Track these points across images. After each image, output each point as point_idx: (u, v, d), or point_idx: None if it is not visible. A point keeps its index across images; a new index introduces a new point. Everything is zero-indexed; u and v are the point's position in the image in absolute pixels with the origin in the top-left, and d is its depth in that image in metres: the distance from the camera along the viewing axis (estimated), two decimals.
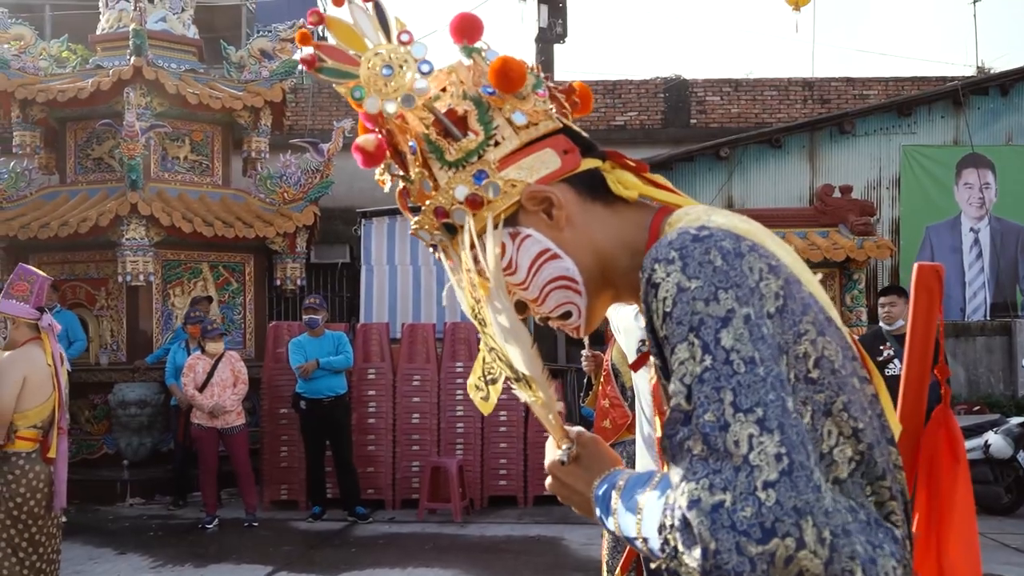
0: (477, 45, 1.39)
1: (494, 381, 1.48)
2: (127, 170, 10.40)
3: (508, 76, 1.35)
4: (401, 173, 1.43)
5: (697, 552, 1.02)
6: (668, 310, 1.13)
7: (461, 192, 1.36)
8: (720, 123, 15.36)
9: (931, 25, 56.14)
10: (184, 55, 12.11)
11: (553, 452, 1.42)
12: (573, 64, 54.18)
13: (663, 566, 1.11)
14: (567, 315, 1.40)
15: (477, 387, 1.50)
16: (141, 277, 10.56)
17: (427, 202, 1.40)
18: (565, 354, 11.74)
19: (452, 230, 1.39)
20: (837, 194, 11.43)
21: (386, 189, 1.45)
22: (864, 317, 10.47)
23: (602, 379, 5.35)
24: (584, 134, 1.43)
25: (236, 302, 11.81)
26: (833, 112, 14.05)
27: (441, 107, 1.37)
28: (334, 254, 14.31)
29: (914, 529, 1.70)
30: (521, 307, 1.41)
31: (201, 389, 9.13)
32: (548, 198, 1.34)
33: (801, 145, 12.91)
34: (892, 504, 1.18)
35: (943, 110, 13.13)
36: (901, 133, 13.10)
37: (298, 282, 11.85)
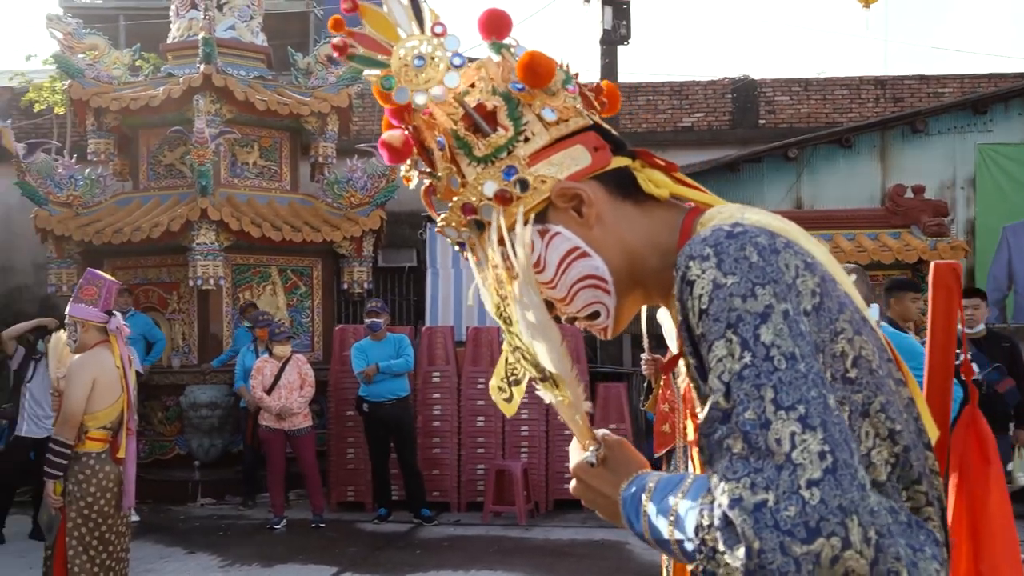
0: (506, 41, 1.37)
1: (517, 382, 1.47)
2: (197, 176, 10.58)
3: (536, 71, 1.33)
4: (428, 170, 1.41)
5: (741, 552, 1.00)
6: (704, 307, 1.11)
7: (490, 188, 1.34)
8: (789, 123, 15.13)
9: (1008, 21, 54.81)
10: (253, 62, 12.29)
11: (579, 454, 1.39)
12: (638, 66, 53.96)
13: (699, 568, 1.09)
14: (595, 315, 1.37)
15: (500, 388, 1.50)
16: (211, 281, 10.73)
17: (454, 199, 1.38)
18: (631, 357, 11.67)
19: (480, 227, 1.37)
20: (909, 194, 11.21)
21: (411, 186, 1.44)
22: None
23: (662, 383, 5.30)
24: (614, 132, 1.41)
25: (304, 305, 11.95)
26: (906, 111, 13.76)
27: (470, 102, 1.35)
28: (401, 258, 14.39)
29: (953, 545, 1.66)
30: (548, 307, 1.38)
31: (269, 391, 9.25)
32: (578, 195, 1.32)
33: (872, 145, 12.65)
34: (928, 510, 1.17)
35: (1020, 107, 12.77)
36: (976, 131, 12.75)
37: (365, 285, 11.95)
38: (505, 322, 1.38)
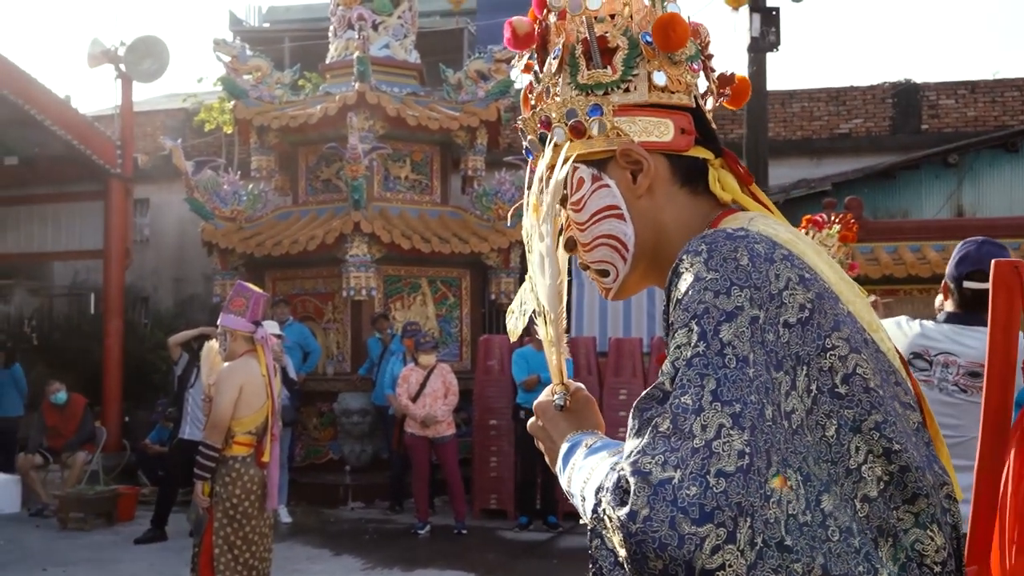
0: None
1: (526, 311, 1.51)
2: (351, 190, 10.96)
3: (668, 35, 1.33)
4: (537, 67, 1.43)
5: (624, 512, 1.02)
6: (680, 297, 1.14)
7: (572, 114, 1.36)
8: (955, 127, 14.49)
9: None
10: (405, 79, 12.65)
11: (548, 393, 1.43)
12: (789, 72, 52.71)
13: (589, 526, 1.12)
14: (605, 272, 1.40)
15: (512, 311, 1.54)
16: (364, 292, 11.08)
17: (541, 107, 1.42)
18: None
19: (544, 141, 1.40)
20: None
21: (514, 76, 1.48)
22: None
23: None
24: (712, 124, 1.42)
25: (453, 316, 12.20)
26: None
27: (600, 31, 1.36)
28: None
29: (1008, 531, 1.63)
30: (571, 245, 1.42)
31: (414, 399, 9.49)
32: (640, 162, 1.34)
33: None
34: (917, 532, 1.15)
35: None
36: None
37: (512, 296, 12.06)
38: (528, 247, 1.41)
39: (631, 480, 1.03)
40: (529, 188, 1.41)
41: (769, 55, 11.04)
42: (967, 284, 3.16)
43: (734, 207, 1.38)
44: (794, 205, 11.26)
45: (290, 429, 10.26)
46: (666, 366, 1.11)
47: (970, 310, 3.15)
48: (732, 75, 1.46)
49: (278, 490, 9.82)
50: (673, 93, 1.36)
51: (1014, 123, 14.17)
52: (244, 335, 5.61)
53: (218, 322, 5.68)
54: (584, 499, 1.20)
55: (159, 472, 10.56)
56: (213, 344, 6.45)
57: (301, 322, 11.43)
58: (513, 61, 1.48)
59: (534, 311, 1.45)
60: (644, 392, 1.13)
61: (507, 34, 1.41)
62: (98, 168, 12.21)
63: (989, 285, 1.65)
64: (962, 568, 1.21)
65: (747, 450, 1.02)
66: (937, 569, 1.15)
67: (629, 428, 1.12)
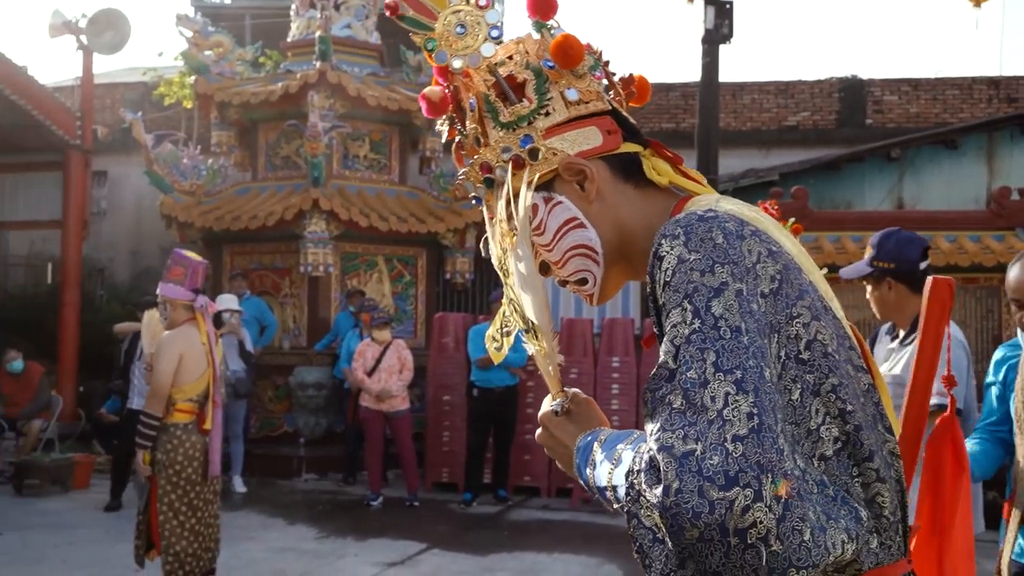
0: (549, 23, 1.48)
1: (508, 333, 1.65)
2: (310, 168, 11.13)
3: (567, 53, 1.43)
4: (459, 127, 1.53)
5: (659, 490, 1.09)
6: (668, 279, 1.20)
7: (508, 151, 1.45)
8: (898, 123, 14.94)
9: None
10: (366, 59, 12.82)
11: (548, 403, 1.53)
12: (742, 66, 53.36)
13: (625, 509, 1.20)
14: (583, 281, 1.48)
15: (493, 338, 1.68)
16: (321, 268, 11.28)
17: (475, 156, 1.50)
18: None
19: (492, 184, 1.49)
20: (1016, 196, 11.04)
21: (442, 140, 1.59)
22: None
23: None
24: (631, 120, 1.52)
25: (408, 293, 12.43)
26: (1016, 112, 13.48)
27: (504, 72, 1.45)
28: None
29: (917, 531, 1.78)
30: (544, 268, 1.50)
31: (370, 374, 9.72)
32: (583, 171, 1.43)
33: (979, 146, 12.46)
34: (879, 486, 1.24)
35: None
36: None
37: (467, 276, 12.37)
38: (504, 274, 1.51)
39: (659, 457, 1.10)
40: (491, 223, 1.50)
41: (722, 47, 11.32)
42: None
43: (682, 193, 1.47)
44: (743, 194, 11.55)
45: (245, 401, 10.45)
46: (666, 345, 1.18)
47: None
48: (631, 76, 1.57)
49: (234, 461, 10.09)
50: (588, 103, 1.45)
51: (954, 120, 14.62)
52: (184, 304, 5.57)
53: (157, 291, 5.65)
54: (615, 488, 1.27)
55: (114, 441, 10.69)
56: (154, 313, 6.29)
57: (258, 296, 11.60)
58: (437, 126, 1.57)
59: (520, 331, 1.53)
60: (652, 373, 1.19)
61: (424, 106, 1.50)
62: (57, 139, 12.24)
63: None
64: (907, 519, 1.31)
65: (754, 411, 1.09)
66: (892, 519, 1.26)
67: (645, 411, 1.19)
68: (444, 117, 1.52)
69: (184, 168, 12.07)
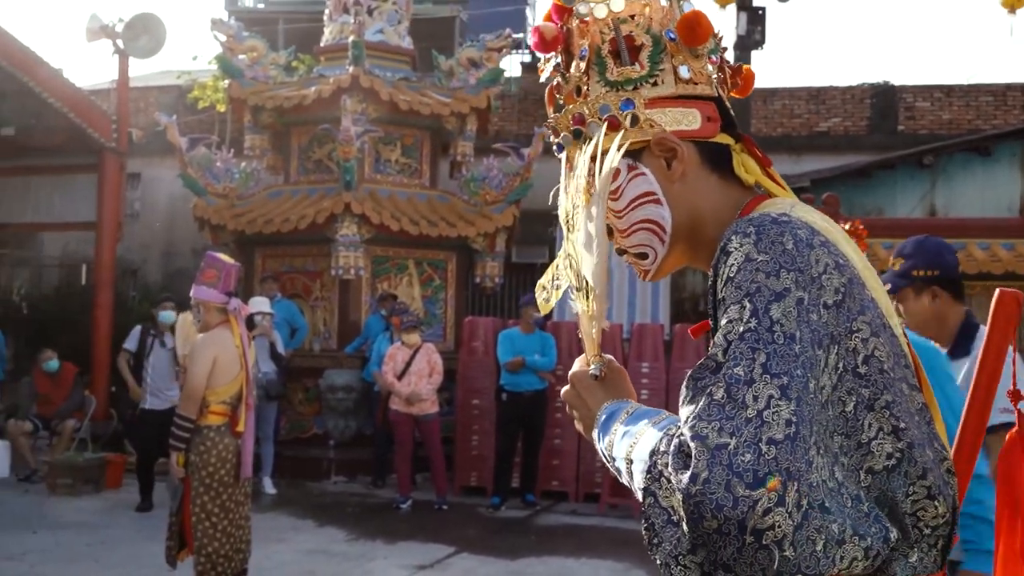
0: None
1: (558, 287, 1.66)
2: (342, 171, 11.20)
3: (694, 30, 1.43)
4: (562, 70, 1.53)
5: (685, 476, 1.10)
6: (732, 275, 1.21)
7: (605, 110, 1.44)
8: (930, 130, 14.85)
9: None
10: (399, 64, 12.88)
11: (583, 364, 1.54)
12: (772, 70, 53.18)
13: (640, 486, 1.21)
14: (643, 256, 1.50)
15: (544, 287, 1.70)
16: (352, 271, 11.34)
17: (571, 105, 1.50)
18: None
19: (579, 137, 1.49)
20: None
21: (542, 78, 1.57)
22: None
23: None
24: (731, 112, 1.52)
25: (438, 297, 12.47)
26: None
27: (624, 30, 1.45)
28: (533, 254, 14.77)
29: (1001, 547, 1.76)
30: (608, 233, 1.49)
31: (400, 377, 9.76)
32: (675, 149, 1.43)
33: (1012, 153, 12.35)
34: (927, 503, 1.24)
35: None
36: None
37: (496, 280, 12.39)
38: (569, 229, 1.51)
39: (692, 444, 1.11)
40: (568, 174, 1.51)
41: (754, 53, 11.31)
42: None
43: (760, 191, 1.48)
44: None
45: (276, 403, 10.53)
46: (718, 338, 1.19)
47: None
48: (740, 66, 1.58)
49: (264, 462, 10.16)
50: (697, 84, 1.45)
51: (987, 127, 14.51)
52: (217, 306, 5.61)
53: (191, 294, 5.68)
54: (632, 462, 1.28)
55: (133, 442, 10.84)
56: (188, 316, 6.33)
57: (289, 299, 11.68)
58: (539, 64, 1.56)
59: (571, 287, 1.53)
60: (698, 363, 1.20)
61: (534, 38, 1.49)
62: (93, 141, 12.36)
63: None
64: (952, 537, 1.30)
65: (793, 419, 1.10)
66: (927, 531, 1.26)
67: (682, 397, 1.20)
68: (551, 55, 1.52)
69: (217, 171, 12.18)
